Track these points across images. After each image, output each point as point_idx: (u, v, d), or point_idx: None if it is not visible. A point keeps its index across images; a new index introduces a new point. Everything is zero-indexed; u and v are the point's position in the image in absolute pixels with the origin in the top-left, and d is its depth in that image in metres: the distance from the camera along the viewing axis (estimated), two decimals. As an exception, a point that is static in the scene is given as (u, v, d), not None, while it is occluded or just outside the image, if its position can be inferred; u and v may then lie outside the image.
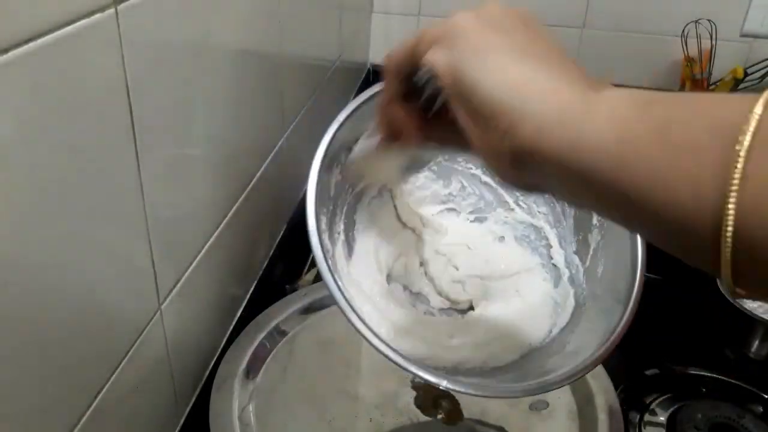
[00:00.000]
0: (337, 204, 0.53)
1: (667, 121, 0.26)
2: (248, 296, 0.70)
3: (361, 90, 1.35)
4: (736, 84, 1.13)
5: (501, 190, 0.60)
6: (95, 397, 0.41)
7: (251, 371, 0.59)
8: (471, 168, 0.60)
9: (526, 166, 0.31)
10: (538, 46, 0.34)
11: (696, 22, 1.13)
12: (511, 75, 0.32)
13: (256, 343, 0.62)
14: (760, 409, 0.65)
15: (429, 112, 0.40)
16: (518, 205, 0.59)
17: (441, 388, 0.43)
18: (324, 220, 0.49)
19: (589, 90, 0.30)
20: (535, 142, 0.30)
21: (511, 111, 0.31)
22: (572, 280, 0.53)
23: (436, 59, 0.36)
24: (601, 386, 0.60)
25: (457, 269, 0.57)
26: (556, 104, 0.30)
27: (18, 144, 0.31)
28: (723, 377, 0.68)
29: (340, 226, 0.54)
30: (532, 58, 0.33)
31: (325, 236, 0.49)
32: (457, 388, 0.43)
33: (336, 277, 0.45)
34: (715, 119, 0.25)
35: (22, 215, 0.32)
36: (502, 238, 0.60)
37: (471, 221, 0.61)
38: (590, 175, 0.28)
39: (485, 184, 0.60)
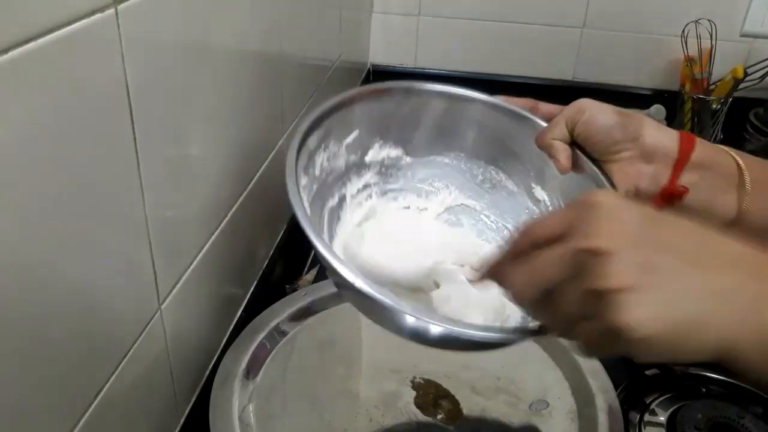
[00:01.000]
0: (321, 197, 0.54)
1: None
2: (248, 296, 0.70)
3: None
4: (736, 83, 1.13)
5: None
6: (95, 397, 0.41)
7: (251, 371, 0.59)
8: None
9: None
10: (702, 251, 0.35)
11: (696, 21, 1.13)
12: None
13: (256, 343, 0.62)
14: (760, 409, 0.65)
15: None
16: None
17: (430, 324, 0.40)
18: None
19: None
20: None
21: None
22: None
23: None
24: (601, 386, 0.60)
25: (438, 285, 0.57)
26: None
27: (18, 144, 0.31)
28: (723, 377, 0.68)
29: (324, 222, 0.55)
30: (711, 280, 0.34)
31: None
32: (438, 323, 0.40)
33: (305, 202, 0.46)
34: None
35: (22, 216, 0.32)
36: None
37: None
38: None
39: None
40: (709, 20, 1.13)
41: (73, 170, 0.35)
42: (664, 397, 0.65)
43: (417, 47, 1.31)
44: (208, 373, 0.60)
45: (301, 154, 0.48)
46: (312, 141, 0.51)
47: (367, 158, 0.58)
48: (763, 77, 1.14)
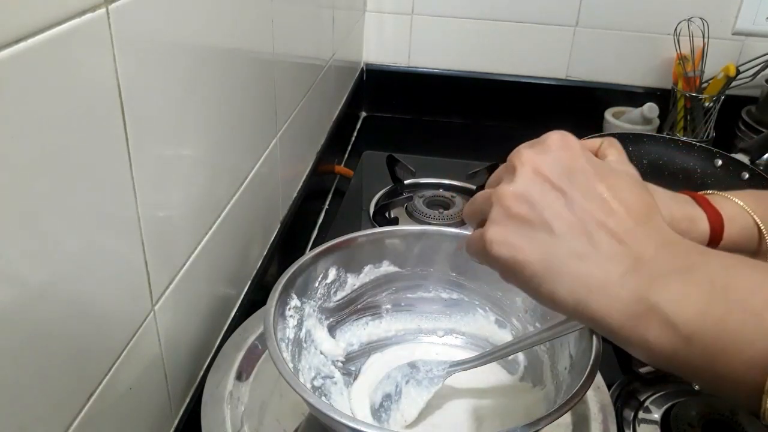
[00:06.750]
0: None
1: (710, 356, 0.33)
2: (242, 296, 0.70)
3: (355, 89, 1.34)
4: (728, 81, 1.13)
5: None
6: (88, 399, 0.40)
7: (244, 372, 0.59)
8: None
9: None
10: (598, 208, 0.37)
11: (688, 20, 1.13)
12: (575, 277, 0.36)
13: (248, 344, 0.61)
14: (753, 406, 0.65)
15: None
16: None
17: None
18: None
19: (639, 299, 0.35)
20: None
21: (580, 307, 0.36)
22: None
23: (494, 244, 0.38)
24: (595, 384, 0.60)
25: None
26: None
27: (8, 145, 0.30)
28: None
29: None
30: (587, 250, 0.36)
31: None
32: None
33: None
34: (752, 359, 0.31)
35: (12, 216, 0.32)
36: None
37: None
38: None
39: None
40: (701, 18, 1.13)
41: (64, 170, 0.35)
42: (658, 394, 0.66)
43: (410, 46, 1.31)
44: (201, 373, 0.60)
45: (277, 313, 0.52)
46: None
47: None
48: (755, 75, 1.15)
